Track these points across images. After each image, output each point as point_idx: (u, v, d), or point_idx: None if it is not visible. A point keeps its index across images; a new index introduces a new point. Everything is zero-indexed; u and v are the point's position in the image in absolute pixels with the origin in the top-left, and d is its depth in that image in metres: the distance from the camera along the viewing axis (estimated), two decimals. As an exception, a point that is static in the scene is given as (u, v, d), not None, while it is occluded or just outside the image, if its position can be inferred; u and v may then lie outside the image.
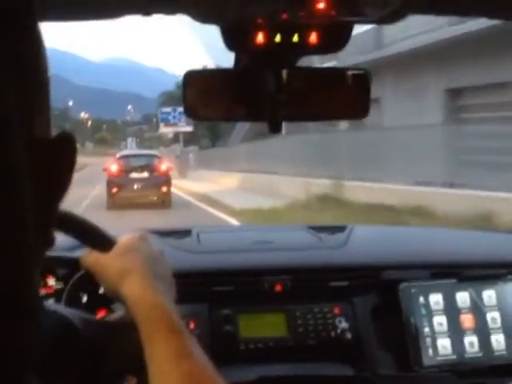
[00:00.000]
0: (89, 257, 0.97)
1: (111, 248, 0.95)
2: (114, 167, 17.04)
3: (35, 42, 0.43)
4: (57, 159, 0.43)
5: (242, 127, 28.00)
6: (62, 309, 1.02)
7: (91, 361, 0.93)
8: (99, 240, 1.04)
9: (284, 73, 1.06)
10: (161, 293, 0.85)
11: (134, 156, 18.70)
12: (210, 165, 28.94)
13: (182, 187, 21.77)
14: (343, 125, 16.63)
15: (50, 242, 0.45)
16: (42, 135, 0.43)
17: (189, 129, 38.82)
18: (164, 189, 16.61)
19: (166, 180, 16.91)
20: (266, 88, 1.08)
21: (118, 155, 18.83)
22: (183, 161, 32.37)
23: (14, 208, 0.38)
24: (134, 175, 16.81)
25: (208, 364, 0.75)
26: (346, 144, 15.00)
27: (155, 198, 16.56)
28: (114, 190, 16.18)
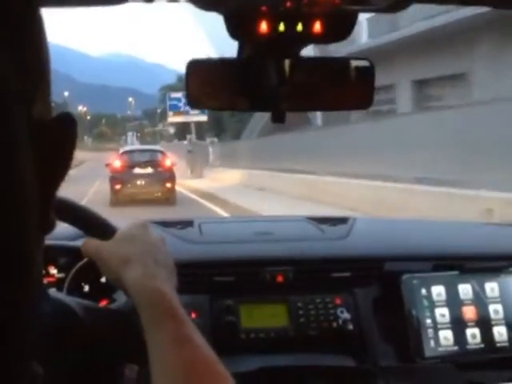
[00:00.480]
0: (90, 244, 0.97)
1: (112, 236, 0.96)
2: (117, 163, 16.81)
3: (37, 29, 0.43)
4: (56, 138, 0.43)
5: (261, 118, 24.66)
6: (63, 297, 1.02)
7: (93, 348, 0.93)
8: (100, 228, 1.04)
9: (287, 62, 1.06)
10: (162, 280, 0.85)
11: (138, 151, 18.46)
12: (238, 161, 23.09)
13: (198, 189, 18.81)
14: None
15: (50, 225, 0.45)
16: (43, 116, 0.43)
17: (203, 118, 34.20)
18: (168, 185, 16.41)
19: (171, 176, 16.69)
20: (269, 77, 1.08)
21: (120, 150, 18.57)
22: (198, 156, 27.42)
23: (17, 186, 0.38)
24: (138, 171, 16.57)
25: (209, 350, 0.75)
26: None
27: (159, 194, 16.37)
28: (118, 186, 15.98)
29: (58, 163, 0.44)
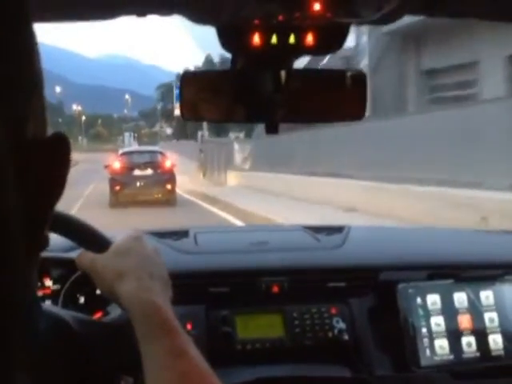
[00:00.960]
0: (84, 257, 0.97)
1: (106, 248, 0.96)
2: (116, 164, 16.70)
3: (28, 43, 0.43)
4: (50, 159, 0.43)
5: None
6: (57, 310, 1.02)
7: (87, 361, 0.93)
8: (94, 240, 1.04)
9: (281, 74, 1.06)
10: (156, 293, 0.85)
11: (137, 152, 18.33)
12: (280, 163, 16.90)
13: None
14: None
15: (44, 242, 0.45)
16: (36, 137, 0.43)
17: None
18: (168, 186, 16.33)
19: (171, 177, 16.58)
20: (263, 89, 1.08)
21: (120, 152, 18.45)
22: (215, 156, 23.03)
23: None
24: (138, 172, 16.49)
25: (203, 364, 0.76)
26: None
27: (159, 195, 16.30)
28: (117, 187, 15.91)
29: (53, 183, 0.44)
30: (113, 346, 0.99)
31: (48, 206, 0.44)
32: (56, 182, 0.44)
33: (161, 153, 18.27)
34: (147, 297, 0.83)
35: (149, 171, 16.57)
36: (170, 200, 16.16)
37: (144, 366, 0.76)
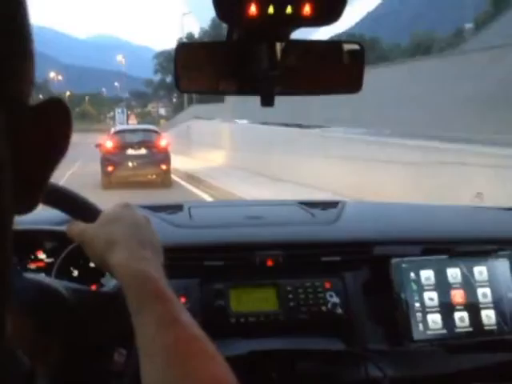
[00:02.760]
0: (74, 228, 0.96)
1: (96, 218, 0.95)
2: (108, 143, 15.94)
3: (19, 5, 0.42)
4: (47, 123, 0.43)
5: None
6: (50, 280, 1.01)
7: (81, 330, 0.93)
8: (83, 210, 1.03)
9: (278, 45, 1.05)
10: (147, 261, 0.84)
11: (131, 131, 17.48)
12: None
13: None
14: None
15: (34, 205, 0.45)
16: (28, 101, 0.43)
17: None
18: (163, 166, 15.77)
19: (166, 157, 15.99)
20: (259, 61, 1.07)
21: (112, 130, 17.60)
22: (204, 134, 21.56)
23: None
24: (131, 152, 15.77)
25: (197, 330, 0.75)
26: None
27: (154, 176, 15.78)
28: (110, 168, 15.23)
29: (52, 148, 0.44)
30: (107, 315, 0.99)
31: (47, 169, 0.44)
32: (54, 144, 0.44)
33: (155, 131, 17.65)
34: (138, 266, 0.82)
35: (143, 150, 15.94)
36: (164, 181, 15.72)
37: (136, 335, 0.76)
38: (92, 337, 0.97)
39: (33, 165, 0.42)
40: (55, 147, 0.44)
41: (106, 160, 15.38)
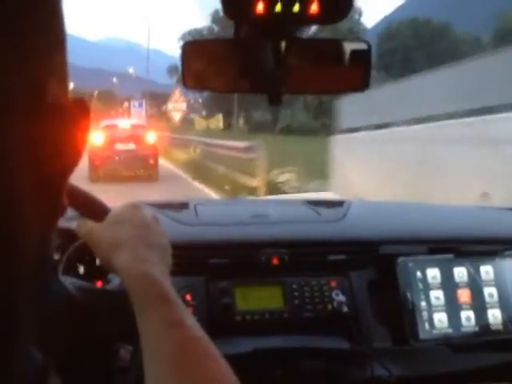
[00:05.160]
0: (82, 226, 0.96)
1: (104, 217, 0.95)
2: (97, 137, 15.92)
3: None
4: (68, 125, 0.43)
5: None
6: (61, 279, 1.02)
7: (87, 328, 0.93)
8: (92, 209, 1.04)
9: (284, 44, 1.05)
10: (153, 263, 0.84)
11: (119, 126, 17.56)
12: None
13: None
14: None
15: (62, 208, 0.45)
16: (56, 97, 0.42)
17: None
18: (151, 161, 16.01)
19: (154, 152, 16.26)
20: (266, 59, 1.07)
21: (101, 124, 17.57)
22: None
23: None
24: (119, 146, 15.94)
25: (201, 333, 0.75)
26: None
27: (142, 170, 15.86)
28: (98, 162, 15.22)
29: (70, 149, 0.44)
30: (113, 313, 0.99)
31: (64, 173, 0.44)
32: (73, 148, 0.44)
33: (144, 126, 17.83)
34: (143, 268, 0.82)
35: (131, 145, 16.04)
36: (152, 175, 15.84)
37: (141, 338, 0.76)
38: (98, 334, 0.97)
39: (51, 165, 0.42)
40: (74, 150, 0.44)
41: (93, 154, 15.22)
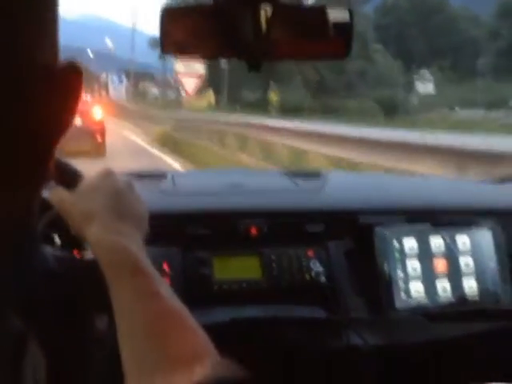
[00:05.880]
0: (55, 195, 0.93)
1: (77, 185, 0.92)
2: None
3: None
4: (61, 88, 0.42)
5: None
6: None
7: (66, 299, 0.92)
8: (65, 176, 1.01)
9: (263, 9, 1.04)
10: (125, 234, 0.81)
11: None
12: None
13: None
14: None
15: (47, 174, 0.45)
16: (48, 61, 0.41)
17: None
18: (98, 138, 15.90)
19: (101, 128, 16.15)
20: (244, 25, 1.06)
21: None
22: None
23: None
24: None
25: (177, 303, 0.74)
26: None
27: (89, 147, 15.28)
28: None
29: (62, 114, 0.43)
30: (89, 282, 0.98)
31: (55, 135, 0.44)
32: (64, 111, 0.43)
33: (90, 102, 17.65)
34: (114, 239, 0.80)
35: (77, 121, 15.21)
36: (99, 151, 15.60)
37: (114, 310, 0.75)
38: (75, 304, 0.96)
39: (42, 127, 0.41)
40: (66, 113, 0.43)
41: None
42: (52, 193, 0.95)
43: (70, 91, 0.43)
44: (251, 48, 1.08)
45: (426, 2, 58.94)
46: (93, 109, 16.66)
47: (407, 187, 1.91)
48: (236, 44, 1.09)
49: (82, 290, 0.98)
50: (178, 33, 1.09)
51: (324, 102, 35.40)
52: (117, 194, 0.88)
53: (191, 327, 0.72)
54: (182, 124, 20.64)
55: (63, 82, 0.42)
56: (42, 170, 0.43)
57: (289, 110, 30.94)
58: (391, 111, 33.83)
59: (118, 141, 18.99)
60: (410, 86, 47.57)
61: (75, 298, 0.97)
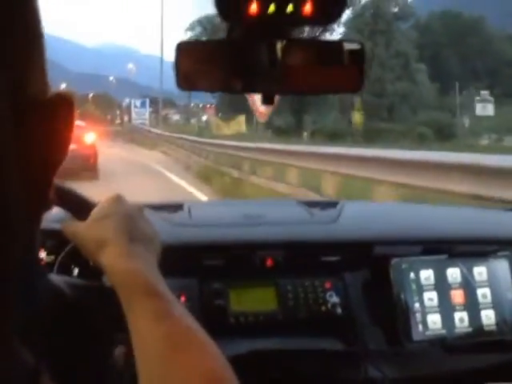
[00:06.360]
0: (67, 227, 0.95)
1: (89, 214, 0.93)
2: None
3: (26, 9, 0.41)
4: (53, 120, 0.42)
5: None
6: (49, 276, 1.01)
7: (80, 325, 0.93)
8: (76, 206, 1.02)
9: (279, 44, 1.06)
10: (137, 257, 0.83)
11: None
12: None
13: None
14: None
15: (48, 204, 0.45)
16: (37, 94, 0.42)
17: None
18: (91, 161, 16.39)
19: (93, 152, 16.68)
20: (259, 60, 1.07)
21: None
22: None
23: None
24: None
25: (192, 323, 0.75)
26: None
27: (81, 170, 15.45)
28: None
29: (55, 145, 0.43)
30: (105, 309, 0.99)
31: (50, 168, 0.44)
32: (58, 144, 0.44)
33: (82, 126, 17.88)
34: (126, 263, 0.82)
35: (72, 145, 16.18)
36: (93, 175, 15.95)
37: (130, 333, 0.75)
38: (92, 332, 0.97)
39: (37, 162, 0.42)
40: (60, 143, 0.44)
41: None
42: (65, 226, 0.96)
43: (62, 121, 0.43)
44: (265, 81, 1.09)
45: (460, 23, 57.52)
46: (87, 136, 17.14)
47: (423, 217, 1.90)
48: (250, 78, 1.11)
49: (97, 315, 0.98)
50: (192, 66, 1.11)
51: (366, 126, 34.21)
52: (127, 219, 0.90)
53: (207, 346, 0.72)
54: (220, 153, 18.42)
55: (54, 113, 0.42)
56: (42, 201, 0.44)
57: (326, 135, 29.75)
58: (442, 134, 32.34)
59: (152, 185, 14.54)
60: (463, 108, 44.51)
61: (89, 325, 0.97)
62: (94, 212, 0.93)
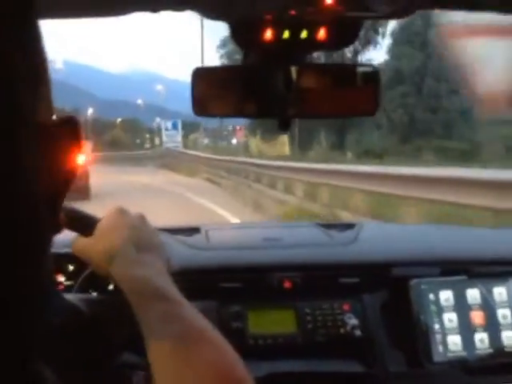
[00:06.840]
0: (76, 246, 0.97)
1: (94, 229, 0.95)
2: None
3: (37, 32, 0.44)
4: (59, 141, 0.44)
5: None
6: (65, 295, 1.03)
7: (99, 340, 0.94)
8: (80, 224, 1.04)
9: (293, 69, 1.07)
10: (145, 265, 0.86)
11: None
12: None
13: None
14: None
15: (59, 226, 0.47)
16: (43, 121, 0.44)
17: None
18: (82, 181, 16.44)
19: (84, 173, 16.71)
20: (274, 85, 1.09)
21: None
22: None
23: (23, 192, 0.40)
24: None
25: (204, 322, 0.78)
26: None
27: (72, 191, 16.06)
28: None
29: (63, 168, 0.45)
30: (120, 322, 1.00)
31: (58, 192, 0.46)
32: (66, 167, 0.45)
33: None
34: (135, 271, 0.85)
35: None
36: (84, 196, 15.84)
37: (144, 338, 0.77)
38: (110, 349, 0.98)
39: (48, 185, 0.43)
40: (67, 166, 0.45)
41: None
42: (74, 244, 0.98)
43: (68, 148, 0.45)
44: (280, 106, 1.11)
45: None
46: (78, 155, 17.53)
47: (442, 237, 1.89)
48: (265, 103, 1.12)
49: (116, 328, 0.99)
50: (208, 92, 1.13)
51: (418, 144, 30.83)
52: (133, 230, 0.92)
53: (218, 343, 0.77)
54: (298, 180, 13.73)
55: (60, 140, 0.44)
56: (51, 224, 0.45)
57: (375, 155, 27.17)
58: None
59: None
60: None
61: (107, 337, 0.98)
62: (100, 226, 0.95)
